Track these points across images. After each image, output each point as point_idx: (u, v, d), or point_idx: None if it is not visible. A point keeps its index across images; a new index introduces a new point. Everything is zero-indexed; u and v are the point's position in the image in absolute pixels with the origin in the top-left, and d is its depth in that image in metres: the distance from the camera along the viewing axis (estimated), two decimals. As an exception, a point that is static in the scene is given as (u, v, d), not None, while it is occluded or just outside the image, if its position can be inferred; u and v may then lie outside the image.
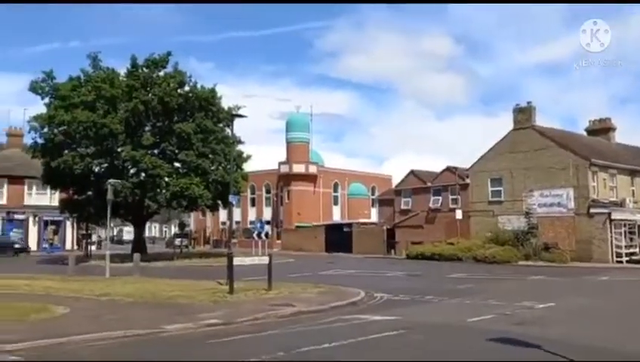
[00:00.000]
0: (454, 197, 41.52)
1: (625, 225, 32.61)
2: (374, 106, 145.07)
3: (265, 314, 11.66)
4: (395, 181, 53.23)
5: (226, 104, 34.59)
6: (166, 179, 32.63)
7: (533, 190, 35.24)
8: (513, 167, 36.45)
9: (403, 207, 46.63)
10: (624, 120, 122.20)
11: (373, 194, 61.22)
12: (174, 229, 65.67)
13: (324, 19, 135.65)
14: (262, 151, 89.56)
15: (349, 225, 47.73)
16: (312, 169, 56.43)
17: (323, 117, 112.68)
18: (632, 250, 32.26)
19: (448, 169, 43.52)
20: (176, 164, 34.02)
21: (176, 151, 33.53)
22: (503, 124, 38.15)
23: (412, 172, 47.41)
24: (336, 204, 59.92)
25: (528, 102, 37.16)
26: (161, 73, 34.03)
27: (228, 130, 34.29)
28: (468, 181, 40.09)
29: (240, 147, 36.27)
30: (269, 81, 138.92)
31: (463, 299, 14.70)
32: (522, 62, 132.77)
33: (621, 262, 31.10)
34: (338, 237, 46.00)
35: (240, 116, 25.31)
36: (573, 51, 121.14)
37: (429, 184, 44.49)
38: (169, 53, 34.13)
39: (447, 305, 13.83)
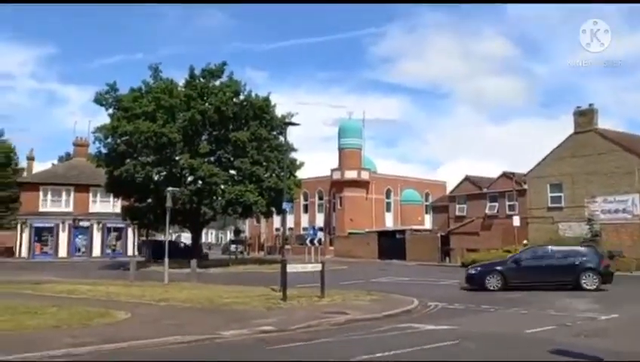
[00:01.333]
0: (511, 203, 40.50)
1: (697, 233, 30.77)
2: (428, 111, 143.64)
3: (318, 322, 11.75)
4: (450, 187, 52.44)
5: (279, 112, 35.21)
6: (222, 186, 33.39)
7: (595, 196, 33.87)
8: (574, 172, 35.16)
9: (458, 213, 45.86)
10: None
11: (426, 200, 60.48)
12: (230, 235, 66.99)
13: (378, 26, 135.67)
14: (315, 158, 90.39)
15: (402, 231, 47.31)
16: (364, 175, 56.33)
17: (376, 123, 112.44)
18: None
19: (505, 175, 42.52)
20: (232, 172, 34.78)
21: (232, 158, 34.32)
22: (563, 127, 37.00)
23: (467, 178, 46.59)
24: (388, 210, 59.53)
25: (590, 105, 35.81)
26: (217, 83, 34.93)
27: (281, 138, 34.81)
28: (525, 187, 38.99)
29: (293, 154, 36.74)
30: (323, 88, 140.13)
31: (520, 309, 14.30)
32: (584, 62, 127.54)
33: (693, 271, 29.35)
34: (391, 244, 45.67)
35: (293, 124, 25.68)
36: (636, 50, 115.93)
37: (484, 190, 43.57)
38: (224, 63, 35.07)
39: (504, 315, 13.50)
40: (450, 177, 77.04)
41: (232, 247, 41.51)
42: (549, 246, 21.39)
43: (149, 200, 35.57)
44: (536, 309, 14.18)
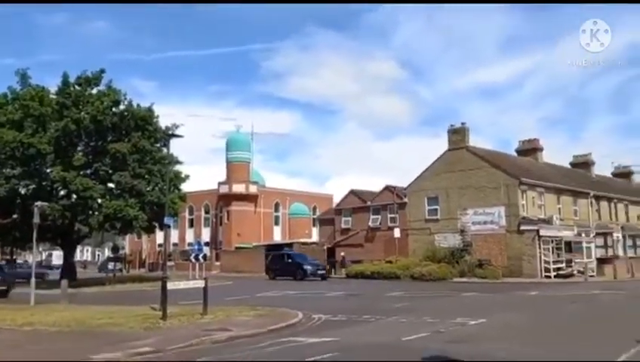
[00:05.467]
0: (393, 215, 42.26)
1: (552, 241, 34.19)
2: (319, 127, 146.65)
3: (199, 340, 11.31)
4: (336, 200, 53.65)
5: (167, 123, 33.93)
6: (99, 200, 31.47)
7: (467, 208, 36.42)
8: (449, 186, 37.60)
9: (343, 226, 47.00)
10: (554, 141, 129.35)
11: (314, 213, 61.39)
12: (108, 253, 63.16)
13: (271, 41, 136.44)
14: (204, 172, 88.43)
15: (290, 244, 47.52)
16: (253, 189, 56.05)
17: (268, 137, 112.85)
18: (559, 265, 33.82)
19: (387, 188, 44.32)
20: (110, 185, 32.84)
21: (110, 171, 32.38)
22: (443, 144, 39.30)
23: (352, 191, 47.94)
24: (277, 224, 59.65)
25: (462, 123, 38.60)
26: (95, 91, 32.97)
27: (165, 150, 33.59)
28: (406, 200, 40.96)
29: (178, 167, 35.55)
30: (215, 101, 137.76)
31: (399, 318, 14.87)
32: (461, 86, 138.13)
33: (549, 276, 32.52)
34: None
35: (177, 136, 24.95)
36: (508, 75, 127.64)
37: (368, 203, 45.10)
38: (102, 71, 33.21)
39: (384, 324, 13.93)
40: (338, 191, 79.09)
41: (110, 265, 39.00)
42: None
43: (15, 216, 32.50)
44: (414, 317, 14.82)
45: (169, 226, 22.61)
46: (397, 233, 38.89)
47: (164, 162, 32.28)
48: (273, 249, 48.29)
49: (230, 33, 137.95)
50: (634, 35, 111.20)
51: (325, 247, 44.33)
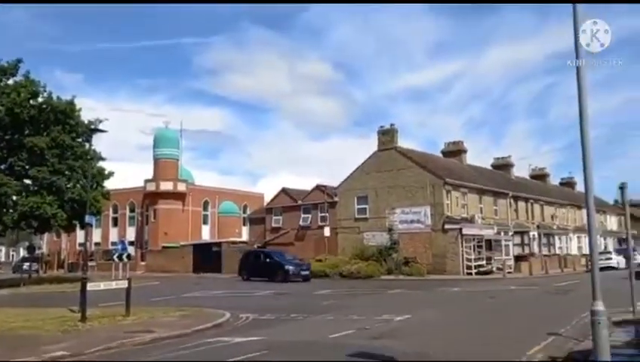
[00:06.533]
0: (323, 214, 42.58)
1: (474, 240, 35.67)
2: (252, 125, 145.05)
3: (119, 343, 10.90)
4: (268, 199, 53.40)
5: (91, 117, 32.44)
6: (14, 197, 29.67)
7: (395, 207, 37.31)
8: (378, 185, 38.38)
9: (274, 225, 46.86)
10: (477, 143, 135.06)
11: (244, 212, 60.79)
12: (23, 252, 59.66)
13: (204, 36, 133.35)
14: (133, 169, 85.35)
15: (219, 244, 46.79)
16: (181, 187, 54.71)
17: (200, 134, 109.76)
18: (479, 263, 35.32)
19: (318, 187, 44.59)
20: (27, 181, 31.05)
21: (27, 167, 30.59)
22: (373, 145, 40.05)
23: (283, 190, 47.88)
24: (205, 223, 58.55)
25: (392, 125, 39.53)
26: (10, 82, 31.02)
27: (88, 145, 32.13)
28: (336, 199, 41.41)
29: (102, 163, 34.08)
30: (144, 96, 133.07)
31: (327, 316, 15.01)
32: (393, 88, 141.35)
33: (470, 274, 33.93)
34: (207, 257, 44.86)
35: (100, 131, 23.91)
36: (436, 79, 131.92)
37: (299, 202, 45.21)
38: (19, 60, 31.20)
39: (312, 322, 14.01)
40: (271, 190, 78.80)
41: (25, 265, 36.82)
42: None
43: None
44: (342, 315, 15.00)
45: (91, 225, 21.65)
46: (327, 232, 39.25)
47: (87, 158, 30.90)
48: (201, 248, 47.48)
49: (160, 25, 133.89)
50: (554, 45, 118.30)
51: (255, 246, 44.01)
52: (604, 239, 53.52)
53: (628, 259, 11.41)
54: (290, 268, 32.12)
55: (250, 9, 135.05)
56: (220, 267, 43.24)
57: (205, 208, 58.75)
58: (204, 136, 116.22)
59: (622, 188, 9.77)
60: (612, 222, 60.02)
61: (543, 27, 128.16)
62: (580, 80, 7.06)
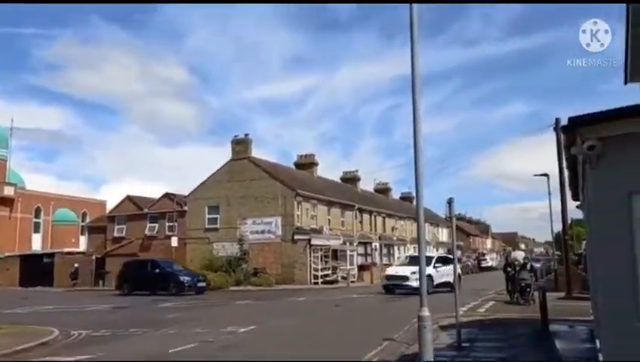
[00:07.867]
0: (171, 224, 41.08)
1: (322, 250, 36.91)
2: (97, 126, 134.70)
3: None
4: (110, 207, 50.13)
5: None
6: None
7: (246, 218, 37.26)
8: (230, 195, 38.05)
9: (116, 234, 44.15)
10: (329, 157, 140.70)
11: (83, 220, 56.33)
12: None
13: (48, 28, 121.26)
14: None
15: (51, 255, 42.67)
16: (9, 191, 49.26)
17: (35, 133, 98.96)
18: (326, 272, 36.60)
19: (167, 195, 43.00)
20: None
21: None
22: (227, 154, 39.63)
23: (128, 197, 45.38)
24: (37, 231, 53.20)
25: (246, 135, 39.58)
26: None
27: None
28: (186, 208, 40.21)
29: None
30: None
31: (169, 329, 14.36)
32: (249, 97, 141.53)
33: (317, 283, 35.01)
34: (37, 269, 40.67)
35: None
36: (292, 92, 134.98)
37: (145, 210, 43.13)
38: None
39: (151, 337, 13.30)
40: (115, 197, 73.91)
41: None
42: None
43: None
44: (185, 328, 14.46)
45: None
46: (174, 242, 37.83)
47: None
48: (30, 259, 42.93)
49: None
50: (398, 68, 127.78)
51: (94, 257, 40.95)
52: (437, 250, 58.69)
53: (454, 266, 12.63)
54: (186, 279, 29.49)
55: (100, 8, 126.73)
56: (52, 280, 39.50)
57: (37, 215, 53.41)
58: (39, 136, 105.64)
59: (449, 202, 10.75)
60: (443, 234, 66.13)
61: (388, 50, 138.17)
62: (415, 103, 7.63)
